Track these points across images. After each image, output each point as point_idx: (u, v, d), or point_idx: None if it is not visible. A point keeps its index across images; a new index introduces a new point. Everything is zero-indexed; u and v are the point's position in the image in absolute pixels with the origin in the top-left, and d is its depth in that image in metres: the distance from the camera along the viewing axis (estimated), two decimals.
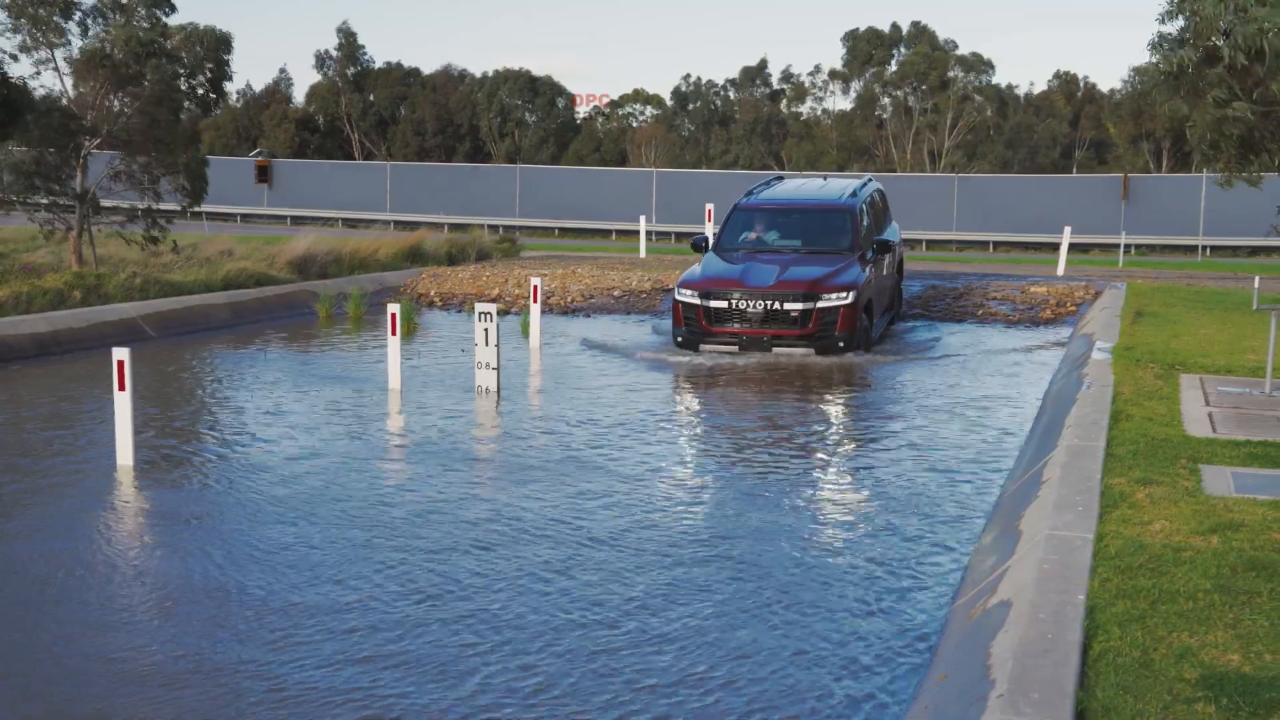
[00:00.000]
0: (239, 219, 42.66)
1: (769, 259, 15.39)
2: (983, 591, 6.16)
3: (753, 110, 64.11)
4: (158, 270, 19.51)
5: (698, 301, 14.80)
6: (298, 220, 41.28)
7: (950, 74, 59.50)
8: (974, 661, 5.06)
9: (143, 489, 8.78)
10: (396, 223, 40.93)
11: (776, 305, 14.52)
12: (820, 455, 10.03)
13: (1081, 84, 65.47)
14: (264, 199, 44.56)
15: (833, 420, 11.60)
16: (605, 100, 70.47)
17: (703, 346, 14.89)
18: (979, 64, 60.16)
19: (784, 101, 66.40)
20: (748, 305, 14.58)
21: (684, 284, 15.13)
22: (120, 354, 9.30)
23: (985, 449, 10.17)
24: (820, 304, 14.49)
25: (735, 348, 14.74)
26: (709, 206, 27.39)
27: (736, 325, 14.71)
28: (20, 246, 22.62)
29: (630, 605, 6.35)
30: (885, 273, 16.62)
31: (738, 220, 16.62)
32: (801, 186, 17.88)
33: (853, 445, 10.53)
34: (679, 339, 15.07)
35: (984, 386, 13.30)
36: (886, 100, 61.38)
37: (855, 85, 63.34)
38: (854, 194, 16.60)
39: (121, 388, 9.19)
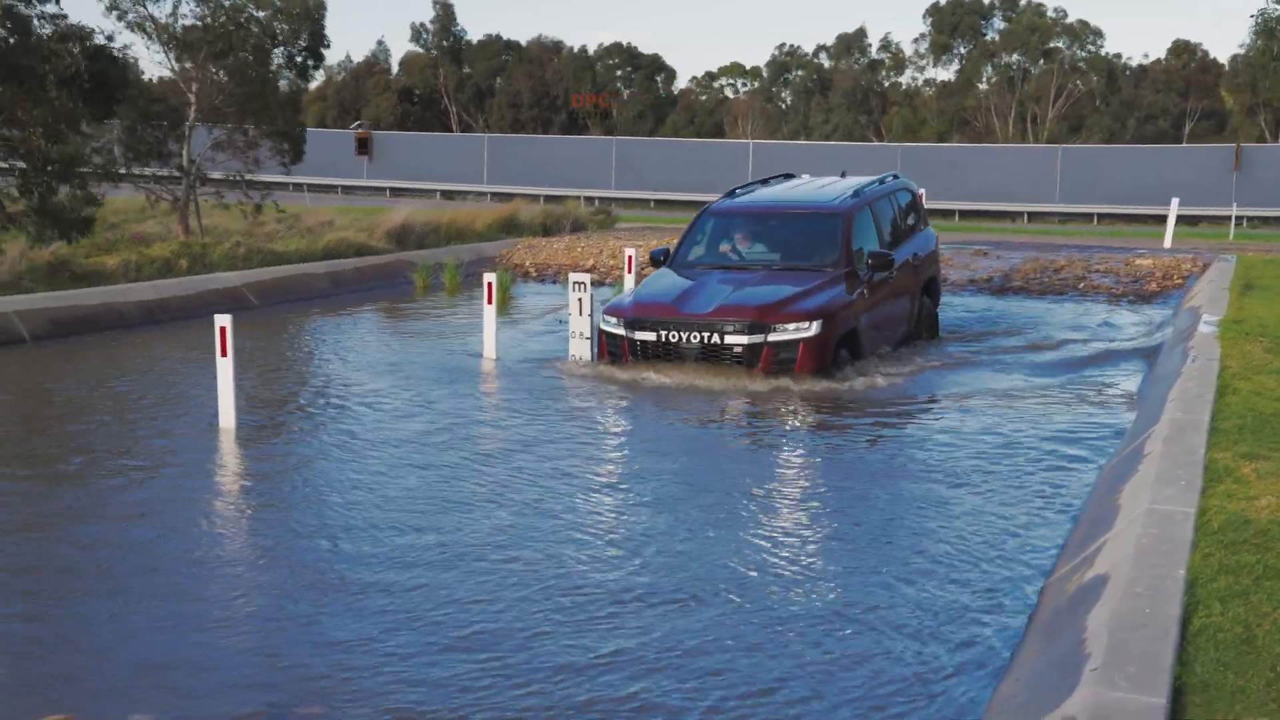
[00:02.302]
0: (340, 191, 43.33)
1: (728, 278, 11.91)
2: (1079, 565, 6.04)
3: (849, 79, 63.29)
4: (260, 240, 19.92)
5: (622, 333, 11.51)
6: (397, 192, 41.80)
7: (1055, 43, 58.11)
8: (1068, 634, 4.97)
9: (243, 448, 8.99)
10: (493, 194, 41.23)
11: (715, 338, 11.11)
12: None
13: (1196, 53, 63.49)
14: (364, 171, 45.19)
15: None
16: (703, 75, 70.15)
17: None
18: (1086, 32, 58.64)
19: (883, 71, 65.46)
20: (681, 338, 11.21)
21: (610, 310, 11.87)
22: (223, 320, 9.53)
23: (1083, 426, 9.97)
24: (773, 336, 11.05)
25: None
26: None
27: (664, 362, 11.36)
28: (130, 217, 23.26)
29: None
30: (893, 295, 12.81)
31: (704, 228, 13.18)
32: (798, 186, 14.19)
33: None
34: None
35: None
36: (989, 69, 60.14)
37: (957, 52, 62.17)
38: (856, 194, 13.05)
39: (224, 353, 9.42)
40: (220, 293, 16.62)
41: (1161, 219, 29.30)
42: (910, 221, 14.08)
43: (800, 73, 66.67)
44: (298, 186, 22.63)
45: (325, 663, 5.16)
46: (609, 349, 11.64)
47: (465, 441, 9.19)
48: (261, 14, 20.85)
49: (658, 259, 13.01)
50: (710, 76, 72.33)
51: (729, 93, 72.44)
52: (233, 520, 7.37)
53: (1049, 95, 57.26)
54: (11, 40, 15.77)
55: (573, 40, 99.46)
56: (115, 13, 19.92)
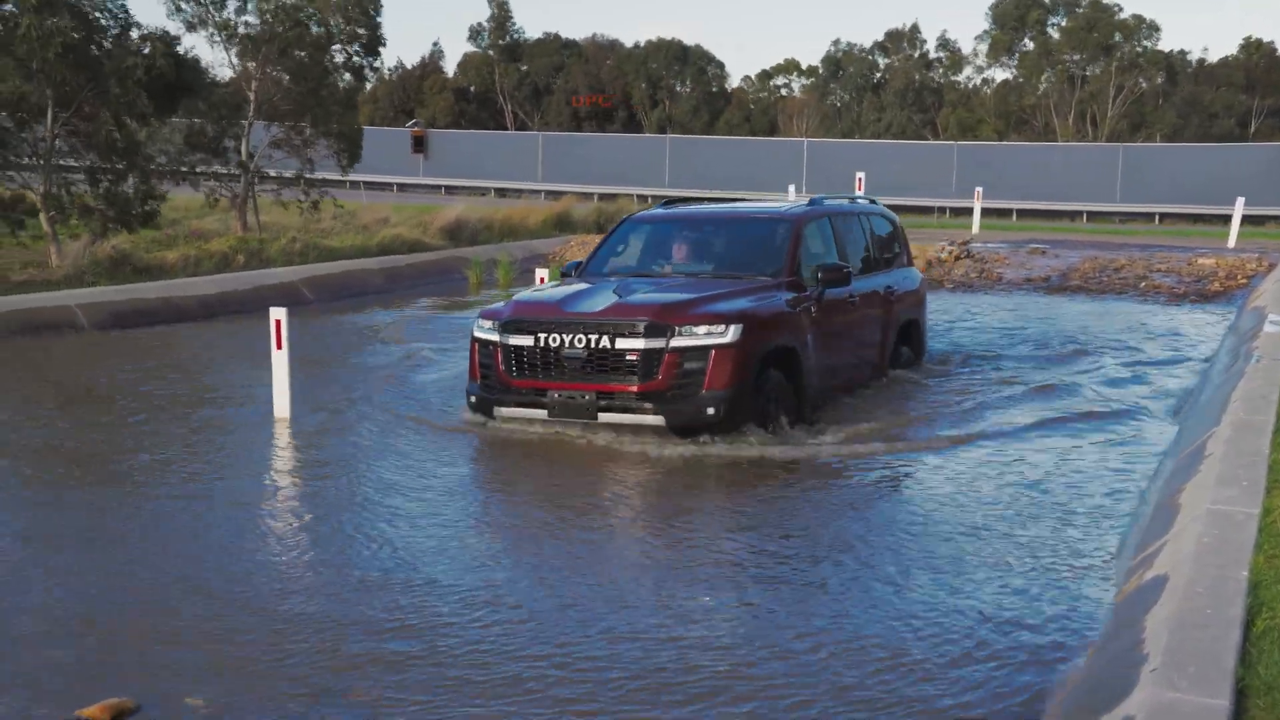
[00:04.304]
0: (395, 188, 43.66)
1: (641, 283, 9.64)
2: (1138, 565, 5.94)
3: (903, 77, 62.83)
4: (316, 236, 20.13)
5: (495, 339, 9.14)
6: (451, 189, 42.06)
7: (1115, 39, 57.33)
8: (1127, 634, 4.88)
9: (296, 438, 9.10)
10: (547, 192, 41.36)
11: (606, 343, 8.69)
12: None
13: (1262, 48, 62.35)
14: (419, 169, 45.49)
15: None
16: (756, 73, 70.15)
17: (498, 411, 9.19)
18: (1145, 28, 57.81)
19: (940, 69, 64.91)
20: (564, 343, 8.80)
21: (486, 313, 9.53)
22: (278, 313, 9.63)
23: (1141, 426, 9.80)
24: (676, 341, 8.62)
25: (543, 413, 8.98)
26: (859, 175, 26.99)
27: (543, 376, 8.93)
28: (190, 214, 23.58)
29: None
30: (853, 324, 10.60)
31: (625, 236, 10.99)
32: (751, 204, 12.53)
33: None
34: (471, 398, 9.40)
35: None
36: (1047, 68, 59.47)
37: (1019, 50, 61.51)
38: (812, 203, 11.08)
39: (279, 346, 9.52)
40: (276, 288, 16.79)
41: (1226, 219, 28.80)
42: (887, 253, 11.84)
43: (852, 69, 66.29)
44: (354, 184, 22.86)
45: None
46: (480, 363, 9.26)
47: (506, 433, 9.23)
48: (320, 13, 21.07)
49: (569, 272, 10.71)
50: (765, 75, 72.09)
51: (783, 90, 72.19)
52: (284, 512, 7.43)
53: (1109, 93, 56.51)
54: (77, 36, 16.04)
55: (628, 38, 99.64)
56: (179, 14, 20.24)
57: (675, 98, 68.76)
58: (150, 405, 10.21)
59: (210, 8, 20.32)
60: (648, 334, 8.62)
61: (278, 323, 9.56)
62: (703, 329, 8.66)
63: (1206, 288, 18.26)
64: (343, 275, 18.24)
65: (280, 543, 6.71)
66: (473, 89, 69.93)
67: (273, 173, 21.30)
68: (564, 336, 8.81)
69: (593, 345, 8.72)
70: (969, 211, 31.26)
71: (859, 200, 12.23)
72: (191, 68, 18.31)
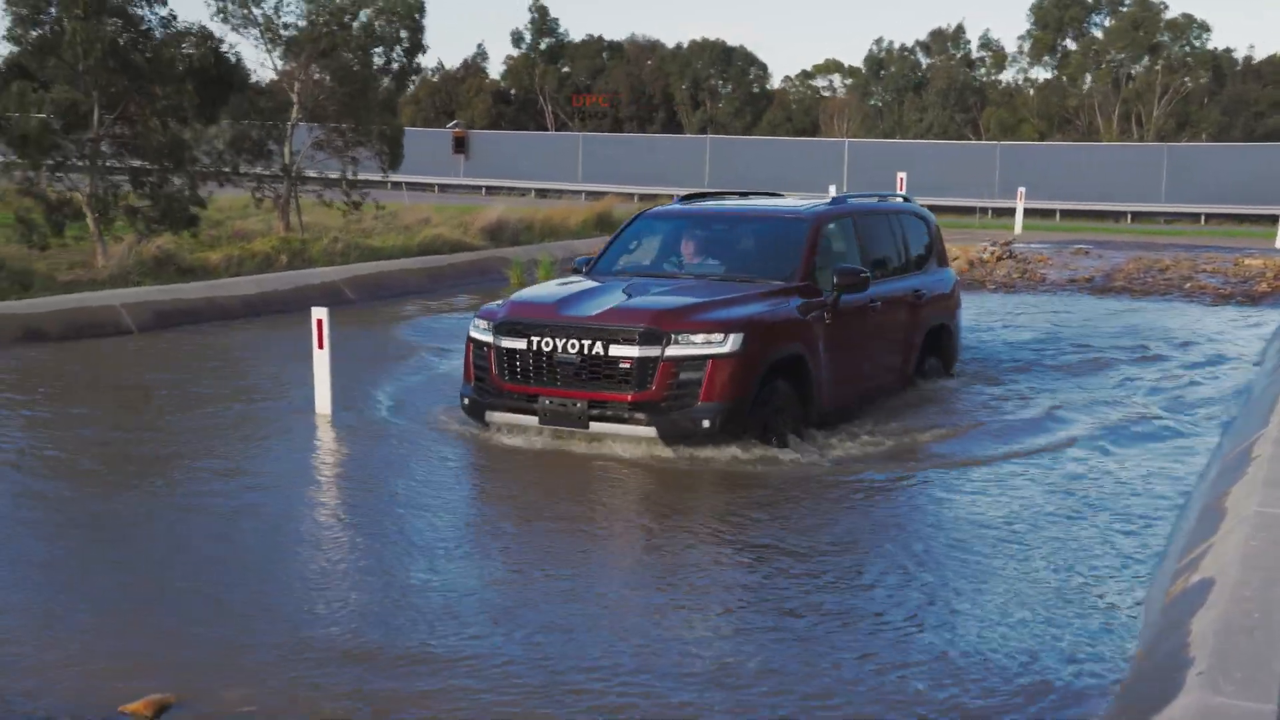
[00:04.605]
0: (436, 189, 43.86)
1: (645, 284, 9.32)
2: (1183, 569, 5.86)
3: (945, 76, 62.42)
4: (358, 236, 20.26)
5: (490, 340, 8.86)
6: (492, 190, 42.22)
7: (1160, 39, 56.69)
8: (1172, 639, 4.81)
9: (338, 434, 9.17)
10: (587, 193, 41.41)
11: (599, 349, 8.36)
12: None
13: None
14: (460, 169, 45.70)
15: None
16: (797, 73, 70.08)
17: (489, 416, 8.91)
18: (1192, 27, 57.14)
19: (983, 69, 64.44)
20: (557, 348, 8.49)
21: (483, 313, 9.21)
22: (319, 313, 9.70)
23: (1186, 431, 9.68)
24: (671, 350, 8.26)
25: (534, 419, 8.64)
26: (901, 175, 26.87)
27: (535, 382, 8.63)
28: (233, 214, 23.80)
29: None
30: (873, 333, 10.06)
31: (636, 233, 10.64)
32: (771, 200, 11.48)
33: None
34: (464, 401, 9.14)
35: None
36: (1091, 67, 58.89)
37: (1062, 49, 60.97)
38: (835, 202, 10.50)
39: (320, 345, 9.58)
40: (318, 287, 16.89)
41: (1273, 219, 28.44)
42: (917, 254, 11.13)
43: (894, 69, 65.93)
44: (396, 184, 23.00)
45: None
46: (475, 364, 8.98)
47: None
48: (364, 13, 21.20)
49: (579, 268, 10.38)
50: (805, 75, 71.87)
51: (824, 90, 71.91)
52: (328, 508, 7.49)
53: (1155, 92, 55.90)
54: (122, 39, 16.22)
55: (670, 38, 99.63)
56: (222, 16, 20.44)
57: (716, 98, 68.69)
58: (193, 401, 10.30)
59: (253, 8, 20.51)
60: (642, 341, 8.26)
61: (319, 322, 9.63)
62: (700, 337, 8.27)
63: (1254, 288, 18.02)
64: (384, 275, 18.34)
65: (321, 546, 6.74)
66: (513, 91, 70.22)
67: (315, 174, 21.47)
68: (557, 341, 8.47)
69: (586, 351, 8.38)
70: (1012, 212, 31.02)
71: (891, 198, 11.73)
72: (235, 69, 18.45)
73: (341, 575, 6.16)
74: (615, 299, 8.79)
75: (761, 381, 8.44)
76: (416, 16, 21.85)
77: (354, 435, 9.21)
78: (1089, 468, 8.38)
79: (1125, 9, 57.97)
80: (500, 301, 9.37)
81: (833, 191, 29.96)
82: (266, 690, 4.78)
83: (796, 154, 42.76)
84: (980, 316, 15.30)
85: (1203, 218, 34.95)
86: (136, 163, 17.08)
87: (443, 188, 44.11)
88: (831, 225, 9.94)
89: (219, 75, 17.48)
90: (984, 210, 36.65)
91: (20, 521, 6.98)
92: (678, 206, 10.91)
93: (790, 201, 11.07)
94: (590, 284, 9.42)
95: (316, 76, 21.09)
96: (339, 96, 20.76)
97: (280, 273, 17.01)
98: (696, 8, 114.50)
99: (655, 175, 41.84)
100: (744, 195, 11.44)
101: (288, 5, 21.13)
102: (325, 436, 9.16)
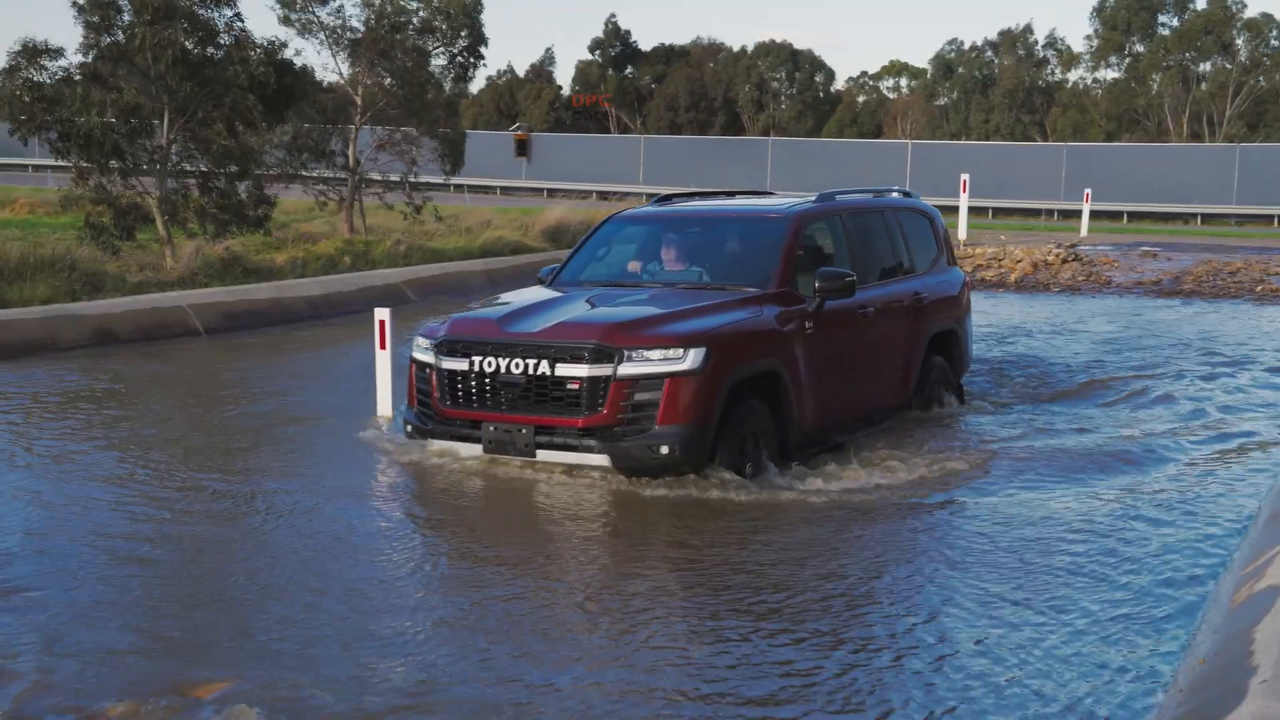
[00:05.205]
0: (498, 191, 44.17)
1: (604, 294, 8.51)
2: (1248, 576, 5.75)
3: (1012, 77, 61.76)
4: (420, 238, 20.48)
5: (431, 360, 8.04)
6: (553, 192, 42.43)
7: (1236, 39, 55.67)
8: (1235, 646, 4.73)
9: (397, 433, 9.22)
10: (648, 195, 41.47)
11: (545, 369, 7.49)
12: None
13: None
14: (522, 172, 45.99)
15: None
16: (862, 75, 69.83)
17: (430, 444, 8.16)
18: (1271, 26, 56.06)
19: (1050, 69, 63.67)
20: (501, 367, 7.62)
21: (426, 332, 8.38)
22: (381, 313, 9.82)
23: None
24: (624, 368, 7.39)
25: (478, 449, 7.84)
26: (964, 177, 26.60)
27: (478, 406, 7.79)
28: (298, 217, 24.15)
29: None
30: (864, 344, 9.04)
31: (605, 238, 9.64)
32: (754, 199, 10.48)
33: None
34: (407, 427, 8.38)
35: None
36: (1160, 67, 57.95)
37: (1130, 50, 60.08)
38: (821, 199, 9.30)
39: (383, 346, 9.69)
40: (381, 289, 17.08)
41: None
42: (919, 253, 10.05)
43: (962, 70, 65.35)
44: (458, 187, 23.28)
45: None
46: (418, 388, 8.20)
47: None
48: (422, 13, 21.44)
49: (543, 279, 9.38)
50: (870, 77, 71.49)
51: (890, 93, 71.48)
52: (387, 511, 7.57)
53: (1227, 92, 54.89)
54: (191, 46, 16.50)
55: (735, 42, 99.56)
56: (288, 22, 20.75)
57: (779, 100, 68.53)
58: (259, 398, 10.46)
59: (317, 13, 20.81)
60: (592, 359, 7.37)
61: (381, 323, 9.75)
62: (656, 353, 7.36)
63: None
64: (445, 277, 18.51)
65: (391, 542, 6.83)
66: (578, 90, 70.70)
67: (377, 176, 21.71)
68: (500, 360, 7.60)
69: (531, 371, 7.49)
70: (1078, 214, 30.63)
71: (886, 192, 10.58)
72: (299, 75, 18.70)
73: (405, 581, 6.23)
74: (568, 312, 7.97)
75: (729, 402, 7.53)
76: (475, 15, 22.03)
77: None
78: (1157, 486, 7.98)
79: (1197, 9, 57.01)
80: (441, 320, 8.60)
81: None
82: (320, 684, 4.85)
83: (859, 156, 42.54)
84: (1034, 319, 15.07)
85: (1276, 219, 34.29)
86: (204, 167, 17.38)
87: (504, 190, 44.43)
88: (815, 224, 9.04)
89: (288, 83, 17.70)
90: (1049, 212, 36.24)
91: (119, 535, 7.12)
92: (651, 209, 10.03)
93: (773, 200, 10.00)
94: (549, 295, 8.60)
95: (379, 80, 21.35)
96: (401, 99, 21.01)
97: (344, 274, 17.23)
98: (766, 11, 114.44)
99: (718, 178, 41.81)
100: (730, 195, 10.47)
101: (351, 6, 21.31)
102: (384, 437, 9.22)
